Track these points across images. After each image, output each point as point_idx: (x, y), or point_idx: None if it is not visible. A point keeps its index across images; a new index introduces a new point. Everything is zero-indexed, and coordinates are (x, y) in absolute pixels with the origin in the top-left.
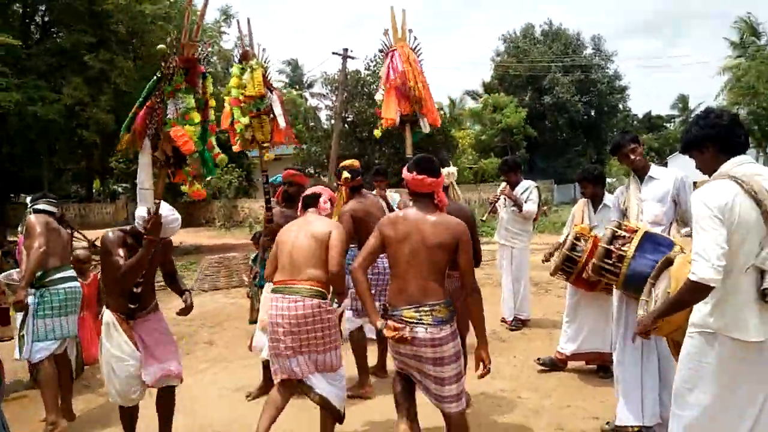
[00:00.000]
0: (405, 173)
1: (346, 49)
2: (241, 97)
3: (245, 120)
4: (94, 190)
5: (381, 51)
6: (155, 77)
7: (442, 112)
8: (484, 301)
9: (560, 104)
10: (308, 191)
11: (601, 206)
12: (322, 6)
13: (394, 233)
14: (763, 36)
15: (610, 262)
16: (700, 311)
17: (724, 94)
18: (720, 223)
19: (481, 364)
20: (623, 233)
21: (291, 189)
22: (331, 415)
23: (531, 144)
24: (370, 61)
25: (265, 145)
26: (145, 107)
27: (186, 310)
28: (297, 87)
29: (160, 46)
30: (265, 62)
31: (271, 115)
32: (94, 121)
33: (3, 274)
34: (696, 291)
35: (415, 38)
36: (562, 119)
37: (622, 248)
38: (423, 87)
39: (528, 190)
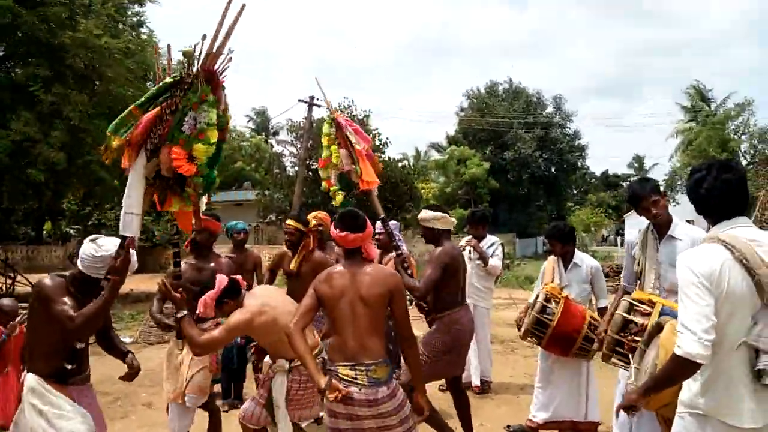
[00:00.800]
0: (332, 230)
1: (312, 97)
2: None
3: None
4: (44, 232)
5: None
6: (169, 80)
7: (407, 163)
8: None
9: (522, 159)
10: None
11: (571, 265)
12: (291, 56)
13: (330, 290)
14: (712, 102)
15: (630, 337)
16: (689, 389)
17: (678, 156)
18: (707, 293)
19: (418, 411)
20: (641, 306)
21: (200, 237)
22: None
23: (494, 197)
24: (336, 109)
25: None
26: (152, 114)
27: (131, 376)
28: (263, 134)
29: (186, 48)
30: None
31: None
32: (42, 159)
33: None
34: (682, 367)
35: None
36: (525, 174)
37: (635, 338)
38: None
39: (494, 245)
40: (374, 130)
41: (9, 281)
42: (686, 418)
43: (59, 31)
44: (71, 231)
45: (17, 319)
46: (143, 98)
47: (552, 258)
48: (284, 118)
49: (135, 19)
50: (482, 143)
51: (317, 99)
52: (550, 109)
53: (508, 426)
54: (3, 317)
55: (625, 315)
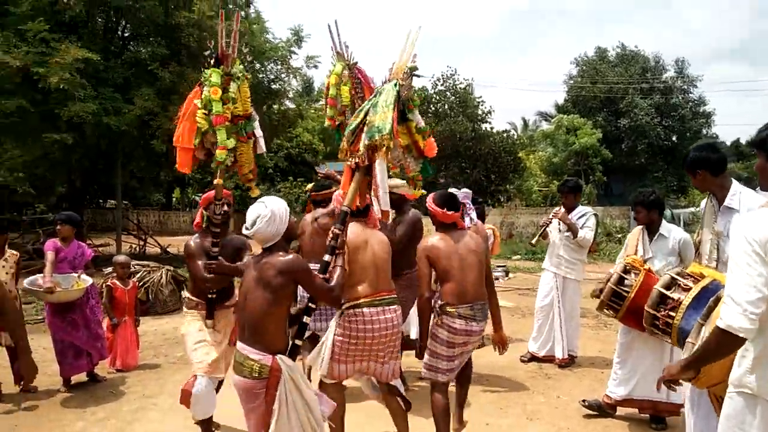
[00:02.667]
0: (434, 207)
1: (412, 68)
2: (227, 114)
3: (231, 143)
4: (174, 199)
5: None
6: (395, 86)
7: (512, 133)
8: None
9: (638, 128)
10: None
11: (657, 236)
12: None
13: (443, 251)
14: None
15: (664, 312)
16: (738, 367)
17: None
18: (760, 262)
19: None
20: (683, 280)
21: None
22: (402, 401)
23: (607, 168)
24: (437, 80)
25: (250, 177)
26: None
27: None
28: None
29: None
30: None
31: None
32: (163, 131)
33: (28, 279)
34: (724, 341)
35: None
36: (641, 143)
37: (678, 297)
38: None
39: (585, 216)
40: (478, 98)
41: (141, 242)
42: (735, 398)
43: (175, 12)
44: (197, 198)
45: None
46: (389, 103)
47: (637, 228)
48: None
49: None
50: (594, 111)
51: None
52: (670, 74)
53: (584, 400)
54: (120, 269)
55: (662, 290)
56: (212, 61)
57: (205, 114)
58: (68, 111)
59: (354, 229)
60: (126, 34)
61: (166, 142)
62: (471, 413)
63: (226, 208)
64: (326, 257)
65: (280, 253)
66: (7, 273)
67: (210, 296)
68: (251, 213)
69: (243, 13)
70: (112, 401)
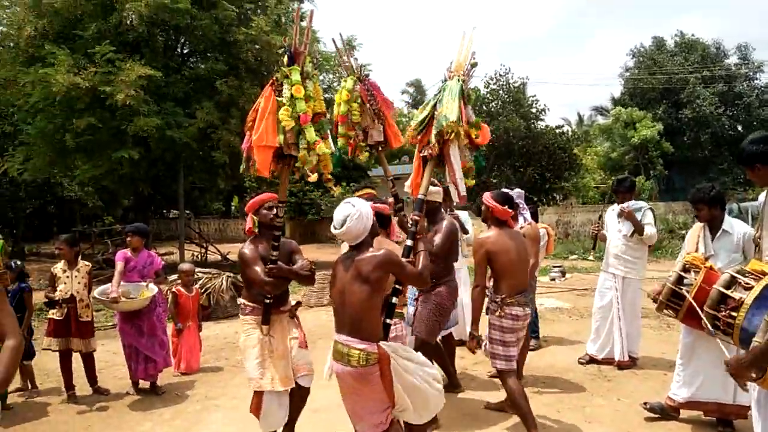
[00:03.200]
0: (494, 204)
1: (473, 64)
2: (311, 112)
3: (327, 145)
4: (233, 207)
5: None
6: (458, 81)
7: (567, 129)
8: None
9: (701, 118)
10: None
11: (719, 232)
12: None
13: (500, 247)
14: None
15: (725, 312)
16: None
17: None
18: None
19: None
20: (744, 278)
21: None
22: None
23: (667, 161)
24: (490, 79)
25: (329, 178)
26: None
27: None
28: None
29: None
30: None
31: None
32: (224, 143)
33: (99, 288)
34: None
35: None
36: (704, 134)
37: (740, 296)
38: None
39: (640, 212)
40: (531, 97)
41: (203, 250)
42: None
43: (232, 28)
44: None
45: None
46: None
47: (698, 225)
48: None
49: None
50: (653, 103)
51: (476, 65)
52: (733, 60)
53: (645, 403)
54: (184, 277)
55: (722, 289)
56: (286, 60)
57: (288, 112)
58: (134, 126)
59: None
60: (185, 51)
61: (226, 153)
62: None
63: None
64: (408, 242)
65: (372, 249)
66: (79, 283)
67: (267, 301)
68: (340, 213)
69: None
70: (177, 403)
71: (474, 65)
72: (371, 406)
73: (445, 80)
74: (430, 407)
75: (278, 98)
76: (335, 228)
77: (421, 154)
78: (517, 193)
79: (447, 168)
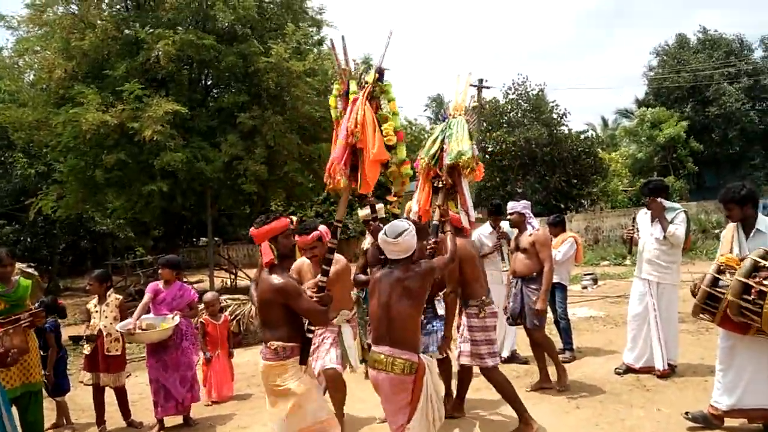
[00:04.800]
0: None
1: (481, 80)
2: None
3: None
4: None
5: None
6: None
7: (591, 134)
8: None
9: (728, 115)
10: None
11: (753, 232)
12: (462, 37)
13: (470, 254)
14: None
15: (750, 299)
16: None
17: None
18: None
19: None
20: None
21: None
22: None
23: (697, 160)
24: (508, 89)
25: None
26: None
27: None
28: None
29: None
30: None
31: None
32: (251, 173)
33: (123, 322)
34: None
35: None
36: (732, 131)
37: (764, 282)
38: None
39: (673, 212)
40: (552, 102)
41: (232, 276)
42: None
43: (253, 58)
44: None
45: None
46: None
47: (731, 225)
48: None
49: (316, 38)
50: (679, 102)
51: (485, 81)
52: (758, 54)
53: (687, 413)
54: (210, 307)
55: (756, 259)
56: (375, 75)
57: (392, 127)
58: (160, 161)
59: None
60: (209, 83)
61: (254, 183)
62: (565, 430)
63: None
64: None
65: (414, 263)
66: (107, 317)
67: (309, 335)
68: (397, 227)
69: (315, 50)
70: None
71: (475, 107)
72: (396, 413)
73: (445, 118)
74: None
75: (378, 113)
76: (388, 238)
77: (435, 185)
78: (523, 204)
79: (459, 197)
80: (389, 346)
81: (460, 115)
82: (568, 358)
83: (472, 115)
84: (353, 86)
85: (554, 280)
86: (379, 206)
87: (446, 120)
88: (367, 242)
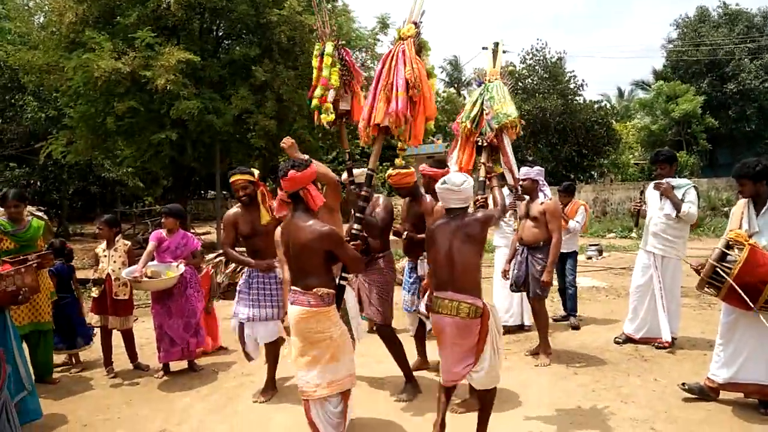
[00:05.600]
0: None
1: (496, 44)
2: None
3: None
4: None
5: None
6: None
7: (605, 104)
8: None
9: (746, 92)
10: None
11: (765, 209)
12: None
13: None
14: None
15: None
16: None
17: None
18: None
19: None
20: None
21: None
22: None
23: (712, 137)
24: (526, 54)
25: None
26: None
27: None
28: (456, 85)
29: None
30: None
31: None
32: (260, 128)
33: (127, 269)
34: None
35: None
36: (750, 108)
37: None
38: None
39: (683, 189)
40: (570, 72)
41: None
42: None
43: (266, 9)
44: None
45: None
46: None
47: (741, 201)
48: (471, 67)
49: None
50: (697, 76)
51: (502, 44)
52: None
53: (684, 383)
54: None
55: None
56: (417, 30)
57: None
58: (175, 110)
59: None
60: (220, 33)
61: (263, 138)
62: (562, 396)
63: None
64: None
65: (470, 213)
66: (115, 262)
67: (343, 282)
68: (458, 177)
69: (330, 6)
70: (214, 379)
71: (511, 72)
72: (462, 356)
73: (481, 83)
74: (493, 376)
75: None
76: (453, 186)
77: (479, 143)
78: (537, 171)
79: (502, 156)
80: (453, 291)
81: (496, 79)
82: (575, 323)
83: (508, 78)
84: (329, 47)
85: (569, 249)
86: (358, 171)
87: (482, 85)
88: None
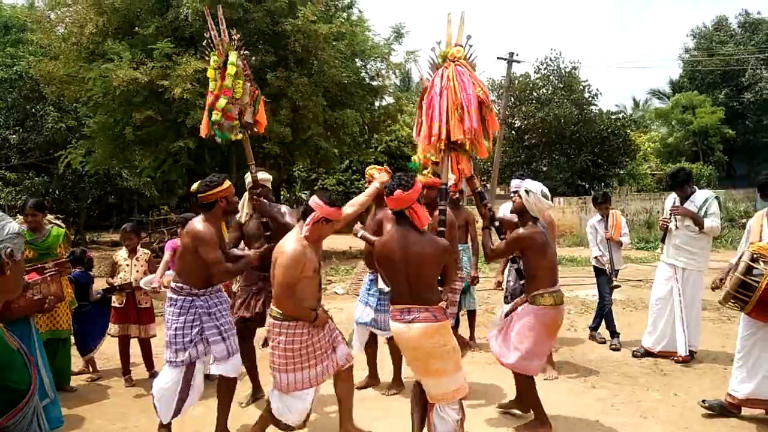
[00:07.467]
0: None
1: (511, 53)
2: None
3: None
4: (281, 197)
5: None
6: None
7: (621, 114)
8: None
9: (764, 102)
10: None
11: None
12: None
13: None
14: None
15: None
16: None
17: None
18: None
19: None
20: None
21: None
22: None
23: (729, 147)
24: (540, 63)
25: None
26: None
27: None
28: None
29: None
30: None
31: None
32: (275, 135)
33: (145, 278)
34: None
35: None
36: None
37: None
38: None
39: (707, 203)
40: (584, 81)
41: None
42: None
43: (281, 19)
44: (303, 195)
45: None
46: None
47: (759, 213)
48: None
49: (346, 1)
50: (714, 87)
51: (516, 55)
52: None
53: (704, 401)
54: None
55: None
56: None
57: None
58: (191, 120)
59: None
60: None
61: (277, 145)
62: (579, 410)
63: None
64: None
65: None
66: (137, 271)
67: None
68: (536, 185)
69: (345, 14)
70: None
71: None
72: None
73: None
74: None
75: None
76: (548, 200)
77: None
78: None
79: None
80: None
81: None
82: (617, 345)
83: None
84: (232, 56)
85: (618, 267)
86: (263, 176)
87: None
88: (244, 213)
